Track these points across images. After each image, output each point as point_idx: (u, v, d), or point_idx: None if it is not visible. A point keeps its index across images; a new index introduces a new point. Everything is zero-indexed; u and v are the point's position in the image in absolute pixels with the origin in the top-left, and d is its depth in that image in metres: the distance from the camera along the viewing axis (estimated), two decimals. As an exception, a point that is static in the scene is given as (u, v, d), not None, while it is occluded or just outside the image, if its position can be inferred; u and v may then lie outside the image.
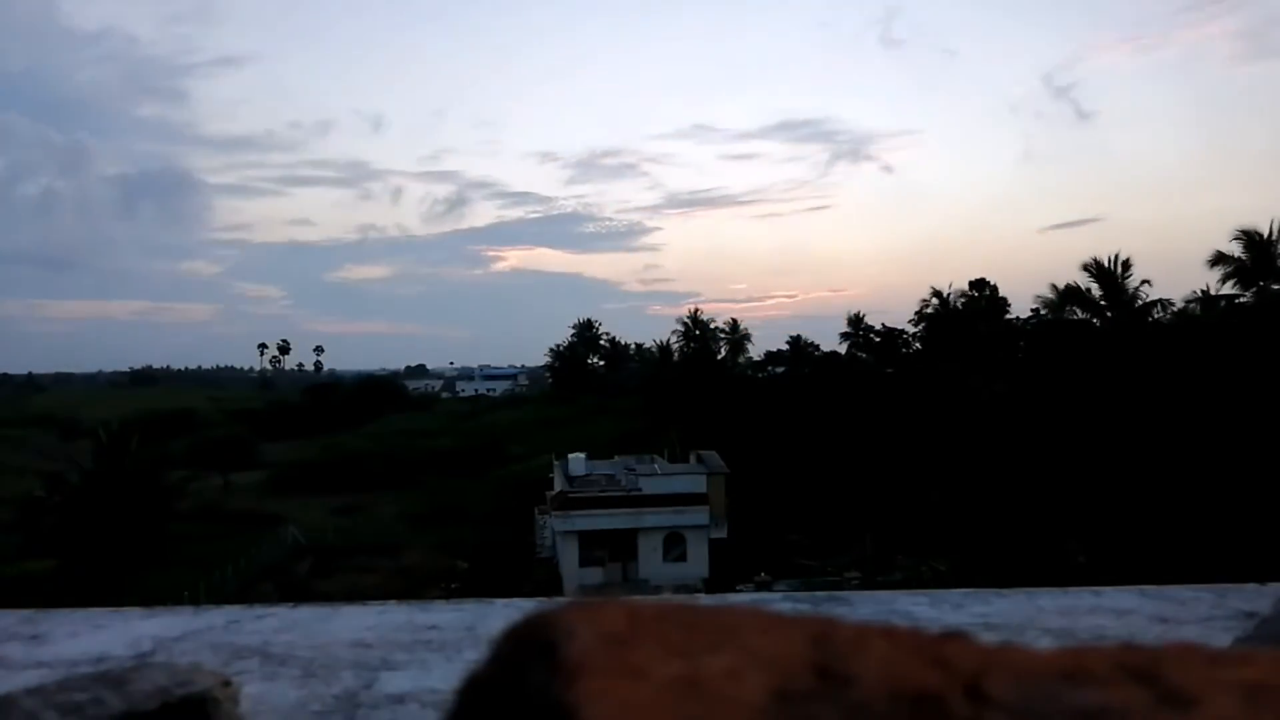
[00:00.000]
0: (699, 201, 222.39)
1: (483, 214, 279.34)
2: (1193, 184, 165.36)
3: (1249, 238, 40.64)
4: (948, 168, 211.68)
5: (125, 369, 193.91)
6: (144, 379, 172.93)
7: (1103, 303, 44.02)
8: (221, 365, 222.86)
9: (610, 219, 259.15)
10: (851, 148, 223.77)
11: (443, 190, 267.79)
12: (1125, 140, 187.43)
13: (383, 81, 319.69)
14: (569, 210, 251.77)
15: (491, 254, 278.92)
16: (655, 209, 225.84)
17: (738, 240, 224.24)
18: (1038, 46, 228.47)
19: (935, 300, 58.89)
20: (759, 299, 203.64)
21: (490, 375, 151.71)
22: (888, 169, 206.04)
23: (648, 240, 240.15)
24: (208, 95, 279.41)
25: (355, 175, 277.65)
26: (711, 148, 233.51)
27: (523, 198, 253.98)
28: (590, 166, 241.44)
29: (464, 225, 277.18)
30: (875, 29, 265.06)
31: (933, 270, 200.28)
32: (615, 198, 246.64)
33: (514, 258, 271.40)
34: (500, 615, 2.26)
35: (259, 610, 2.36)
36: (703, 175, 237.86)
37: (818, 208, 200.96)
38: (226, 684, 1.34)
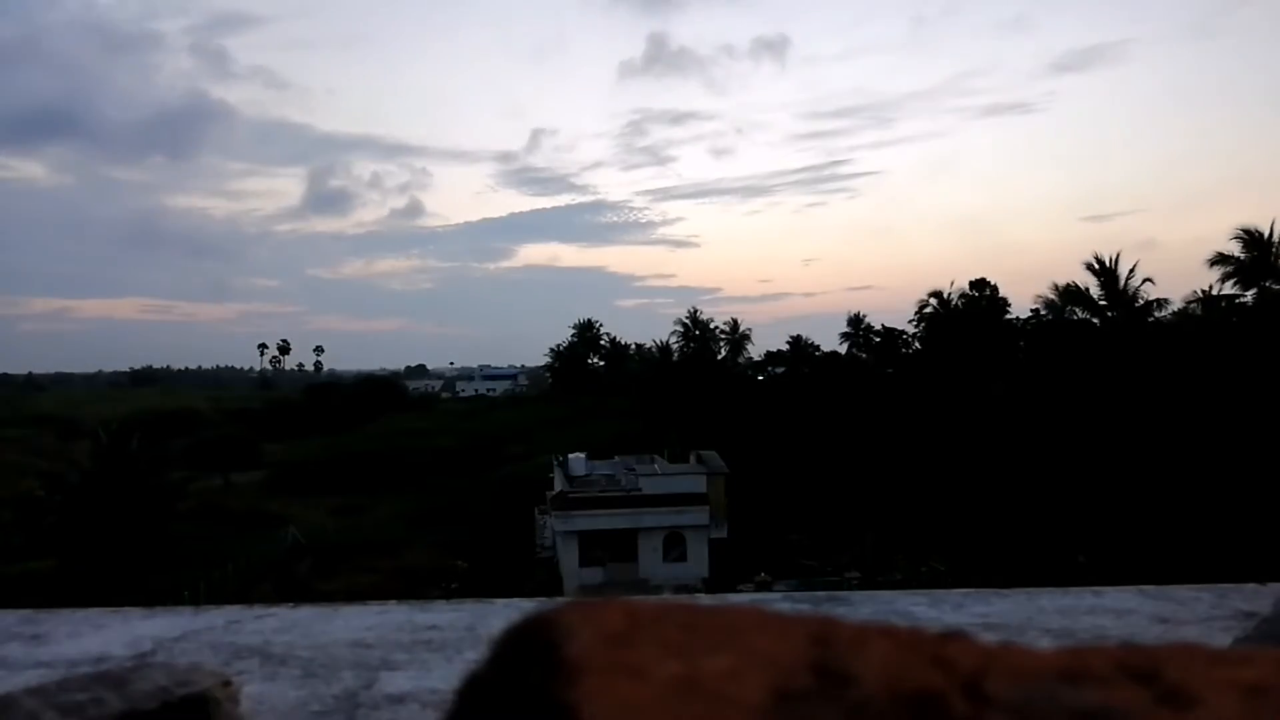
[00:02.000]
0: (723, 191, 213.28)
1: (497, 204, 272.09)
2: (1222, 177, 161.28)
3: (1249, 237, 40.66)
4: (979, 155, 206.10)
5: (125, 369, 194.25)
6: (144, 379, 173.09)
7: (1103, 302, 44.05)
8: (221, 365, 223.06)
9: (629, 210, 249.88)
10: (884, 136, 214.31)
11: (453, 176, 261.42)
12: (1150, 131, 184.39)
13: (384, 58, 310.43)
14: (586, 200, 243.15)
15: (502, 247, 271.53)
16: (675, 199, 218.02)
17: (761, 233, 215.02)
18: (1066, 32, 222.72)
19: (935, 300, 58.95)
20: (780, 295, 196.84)
21: (490, 375, 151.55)
22: (924, 160, 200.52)
23: (668, 232, 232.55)
24: (192, 72, 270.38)
25: (358, 161, 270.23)
26: (737, 133, 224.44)
27: (539, 186, 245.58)
28: (611, 152, 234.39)
29: (476, 216, 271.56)
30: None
31: (962, 263, 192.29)
32: (634, 188, 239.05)
33: (527, 253, 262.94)
34: (500, 615, 2.26)
35: (259, 610, 2.37)
36: (725, 164, 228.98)
37: (853, 196, 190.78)
38: (226, 684, 1.34)
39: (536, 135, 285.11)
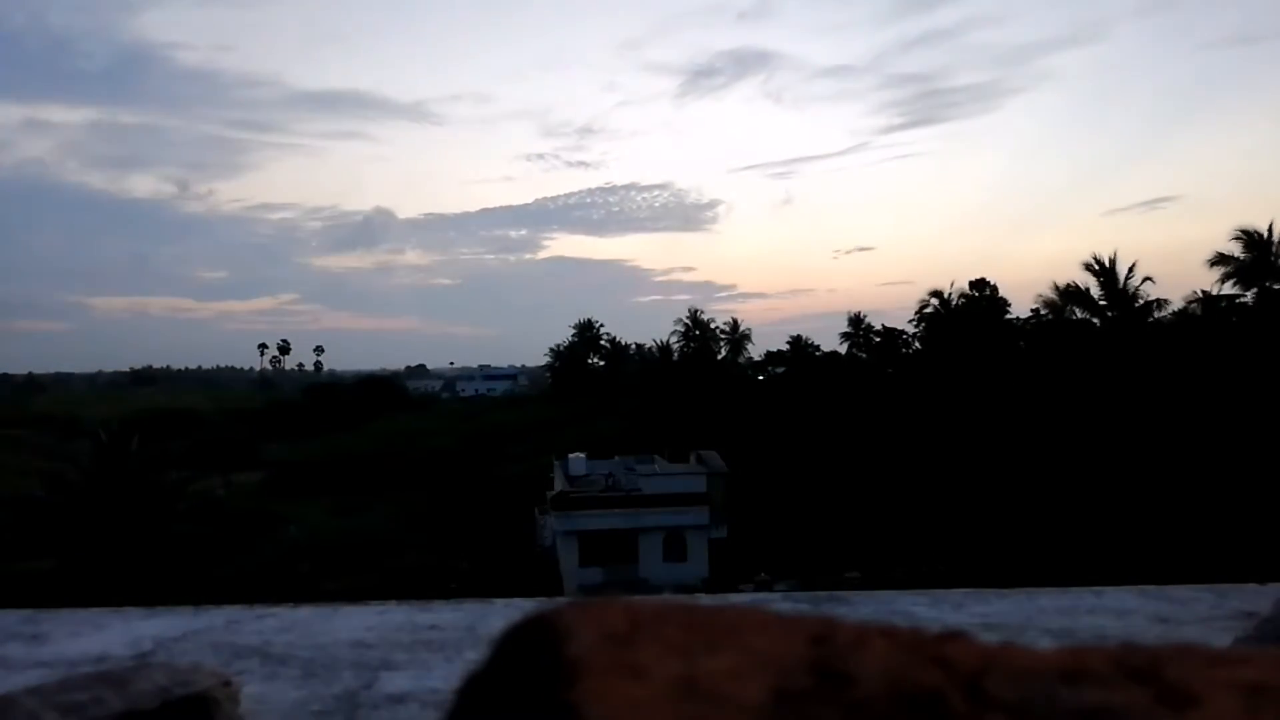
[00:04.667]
0: (750, 179, 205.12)
1: (509, 193, 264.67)
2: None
3: (1249, 237, 40.66)
4: (1017, 141, 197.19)
5: (125, 369, 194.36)
6: (144, 379, 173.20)
7: (1103, 302, 44.06)
8: (221, 365, 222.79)
9: (652, 194, 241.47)
10: (918, 124, 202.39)
11: (466, 162, 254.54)
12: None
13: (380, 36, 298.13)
14: (601, 185, 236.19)
15: (515, 236, 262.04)
16: (702, 188, 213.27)
17: (787, 226, 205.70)
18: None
19: (935, 300, 58.95)
20: (803, 290, 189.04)
21: (490, 375, 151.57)
22: (967, 146, 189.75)
23: (686, 223, 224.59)
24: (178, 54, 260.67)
25: (365, 146, 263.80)
26: (763, 117, 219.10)
27: (556, 172, 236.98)
28: (625, 140, 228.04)
29: (492, 205, 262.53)
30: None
31: (992, 255, 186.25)
32: (654, 178, 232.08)
33: (546, 247, 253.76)
34: (500, 615, 2.26)
35: (259, 610, 2.37)
36: (747, 154, 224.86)
37: (882, 188, 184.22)
38: (226, 684, 1.35)
39: (552, 117, 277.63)
